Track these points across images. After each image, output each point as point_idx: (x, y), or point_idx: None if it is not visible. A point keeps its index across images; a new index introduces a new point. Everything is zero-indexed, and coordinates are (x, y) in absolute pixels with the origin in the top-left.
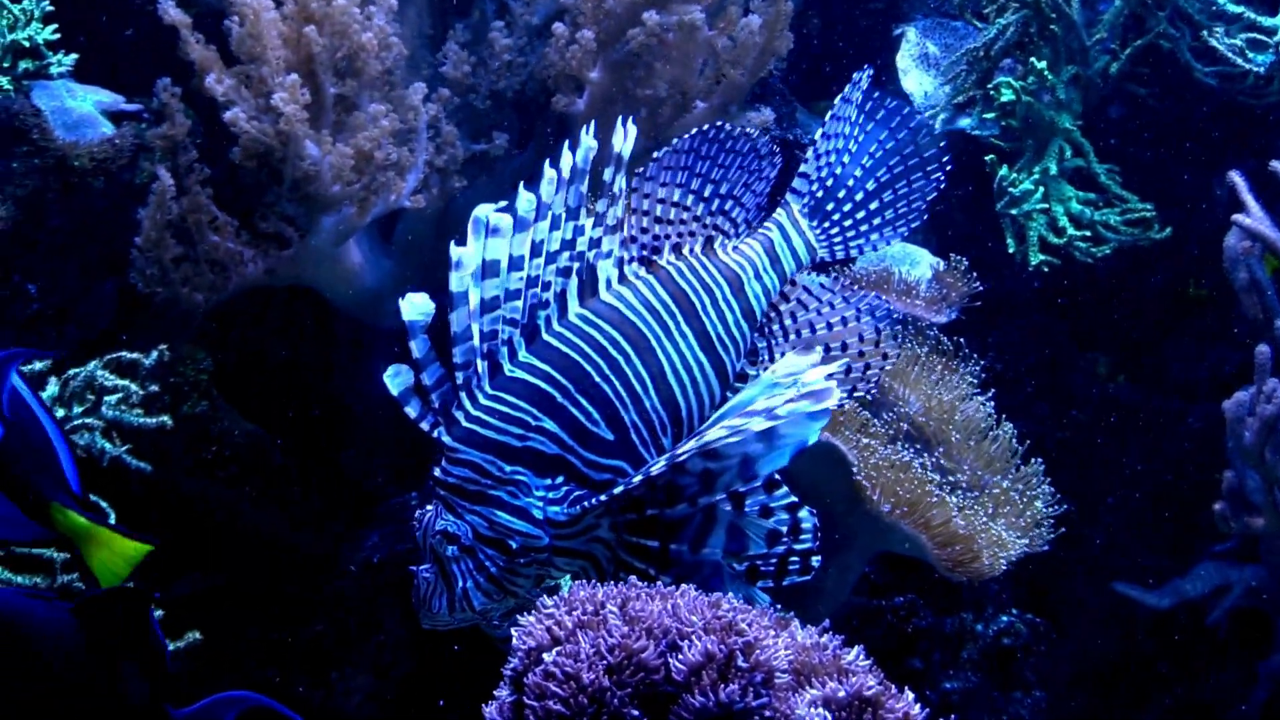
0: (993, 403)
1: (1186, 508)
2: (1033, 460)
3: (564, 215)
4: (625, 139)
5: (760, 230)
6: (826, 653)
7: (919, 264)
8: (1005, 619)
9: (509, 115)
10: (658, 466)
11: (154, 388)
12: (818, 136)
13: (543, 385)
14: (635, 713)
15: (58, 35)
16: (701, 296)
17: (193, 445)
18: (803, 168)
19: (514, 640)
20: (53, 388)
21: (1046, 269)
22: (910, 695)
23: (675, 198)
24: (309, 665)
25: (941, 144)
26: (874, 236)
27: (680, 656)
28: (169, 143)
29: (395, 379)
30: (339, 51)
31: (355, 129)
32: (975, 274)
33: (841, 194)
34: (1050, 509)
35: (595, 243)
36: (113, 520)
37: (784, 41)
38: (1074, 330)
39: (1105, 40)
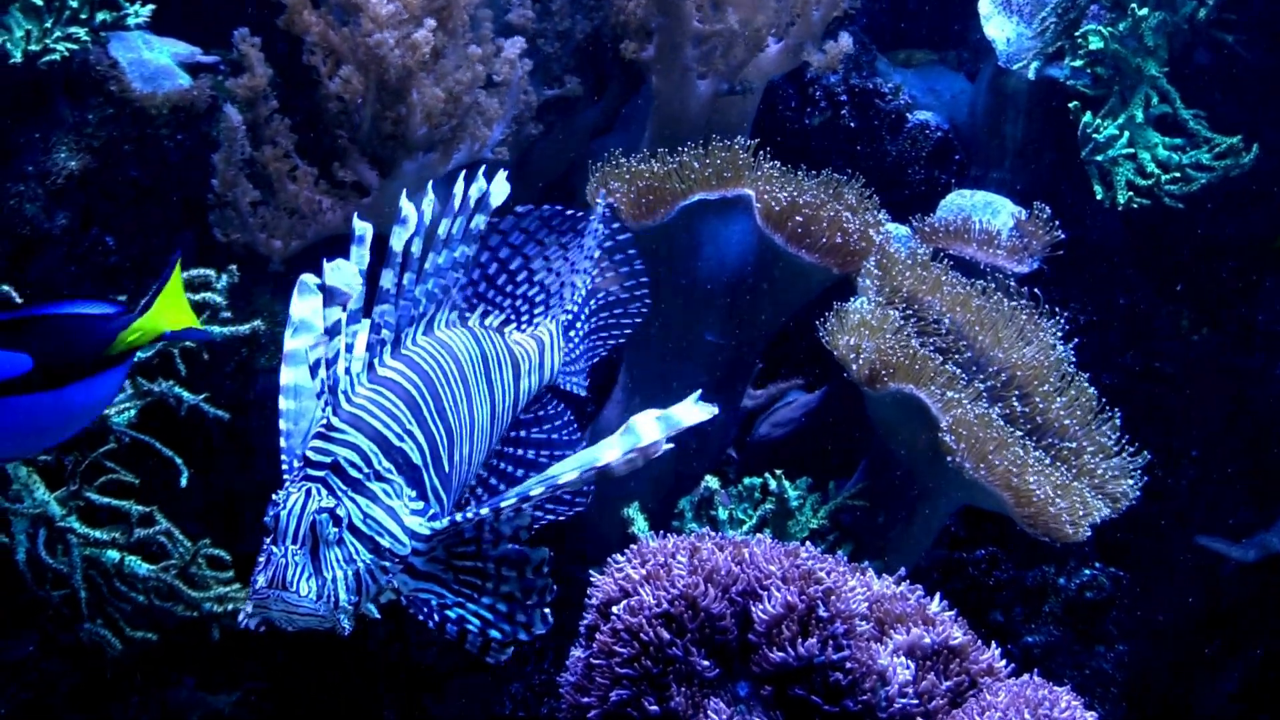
0: (1074, 355)
1: (1272, 461)
2: (1116, 415)
3: (447, 240)
4: (497, 185)
5: (535, 332)
6: (910, 602)
7: (1000, 213)
8: (1088, 572)
9: (581, 62)
10: (536, 489)
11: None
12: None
13: (413, 391)
14: (705, 662)
15: None
16: (495, 371)
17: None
18: (574, 287)
19: (588, 594)
20: None
21: (1135, 206)
22: (995, 649)
23: (513, 266)
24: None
25: (643, 279)
26: (579, 365)
27: (761, 607)
28: (250, 92)
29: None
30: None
31: (443, 75)
32: (1058, 222)
33: (579, 325)
34: (1135, 468)
35: (457, 281)
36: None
37: None
38: (1157, 282)
39: None
